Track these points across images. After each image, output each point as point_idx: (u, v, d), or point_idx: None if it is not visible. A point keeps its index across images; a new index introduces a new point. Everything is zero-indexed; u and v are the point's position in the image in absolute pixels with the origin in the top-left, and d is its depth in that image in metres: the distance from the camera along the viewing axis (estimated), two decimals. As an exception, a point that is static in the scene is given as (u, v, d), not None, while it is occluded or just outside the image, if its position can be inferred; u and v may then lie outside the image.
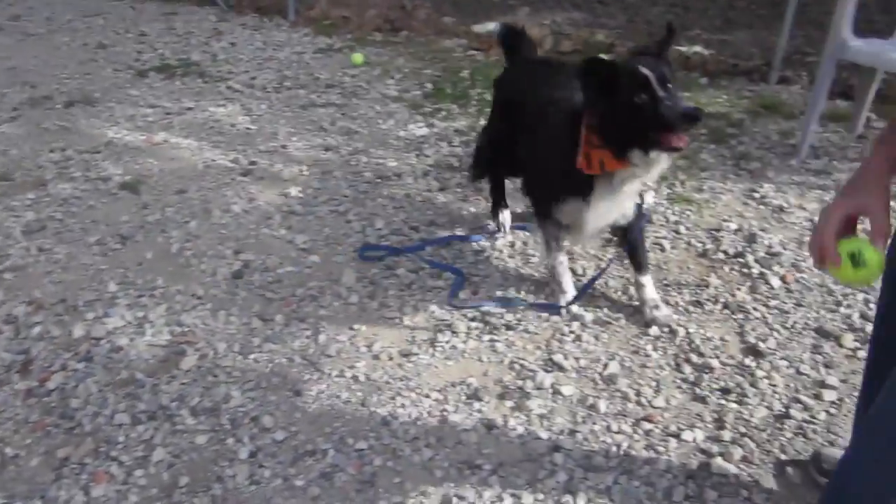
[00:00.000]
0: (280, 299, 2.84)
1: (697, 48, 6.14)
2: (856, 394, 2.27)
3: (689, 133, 2.31)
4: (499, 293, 2.87)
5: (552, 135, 2.58)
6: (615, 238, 2.85)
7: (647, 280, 2.76)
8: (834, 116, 4.70)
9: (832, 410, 2.34)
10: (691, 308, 2.82)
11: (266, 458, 2.13)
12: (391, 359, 2.54)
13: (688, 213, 3.53)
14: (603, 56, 2.34)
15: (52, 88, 5.18)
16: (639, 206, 2.55)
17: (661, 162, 2.38)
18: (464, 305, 2.75)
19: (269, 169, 3.91)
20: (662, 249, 3.21)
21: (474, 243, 3.19)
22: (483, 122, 4.45)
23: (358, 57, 5.77)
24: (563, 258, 2.81)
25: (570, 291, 2.80)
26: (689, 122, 2.21)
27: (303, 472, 2.10)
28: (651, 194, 2.82)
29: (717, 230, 3.37)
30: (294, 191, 3.66)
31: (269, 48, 6.18)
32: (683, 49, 6.05)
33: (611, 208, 2.53)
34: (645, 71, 2.21)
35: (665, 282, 2.99)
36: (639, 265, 2.76)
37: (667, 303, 2.84)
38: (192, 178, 3.80)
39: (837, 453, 1.99)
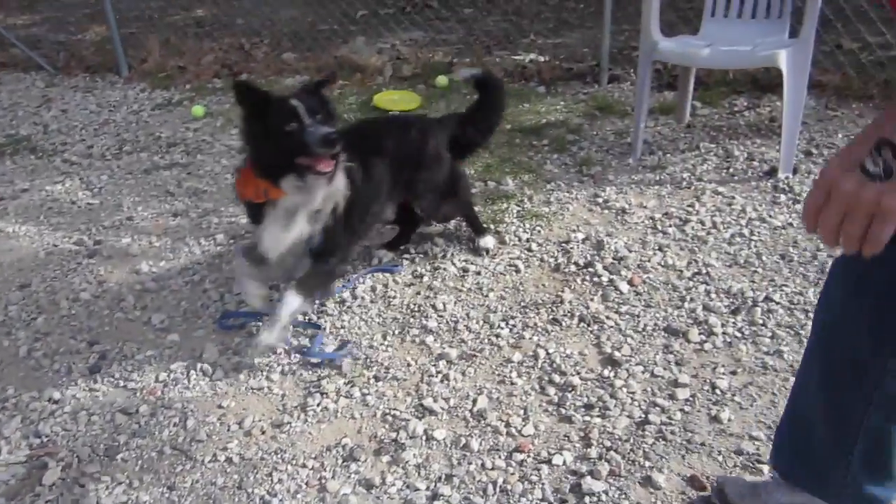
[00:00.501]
0: (142, 388, 2.76)
1: (532, 56, 6.40)
2: (706, 388, 2.47)
3: (333, 157, 2.51)
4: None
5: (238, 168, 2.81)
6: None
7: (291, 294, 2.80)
8: (664, 109, 5.03)
9: (686, 408, 2.51)
10: (549, 327, 2.95)
11: (144, 567, 2.07)
12: (263, 432, 2.52)
13: (538, 228, 3.68)
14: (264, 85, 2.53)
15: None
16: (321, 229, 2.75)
17: (319, 187, 2.58)
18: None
19: (116, 245, 3.78)
20: (518, 270, 3.34)
21: (336, 294, 3.21)
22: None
23: (199, 109, 5.67)
24: (247, 270, 2.89)
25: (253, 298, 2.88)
26: (327, 146, 2.43)
27: (184, 574, 2.05)
28: (490, 239, 2.98)
29: (567, 242, 3.54)
30: (145, 266, 3.56)
31: (105, 110, 5.96)
32: (519, 58, 6.30)
33: (283, 234, 2.70)
34: (294, 102, 2.46)
35: (522, 304, 3.11)
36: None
37: (525, 325, 2.96)
38: (35, 268, 3.62)
39: (740, 479, 2.11)
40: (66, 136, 5.44)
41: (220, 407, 2.65)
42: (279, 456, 2.42)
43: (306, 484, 2.31)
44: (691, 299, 3.07)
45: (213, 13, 8.89)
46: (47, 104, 6.24)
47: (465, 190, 3.44)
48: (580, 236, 3.58)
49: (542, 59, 6.27)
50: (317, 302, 3.08)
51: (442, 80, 5.83)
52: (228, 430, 2.54)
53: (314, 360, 2.80)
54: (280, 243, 2.71)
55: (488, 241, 3.44)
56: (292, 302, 2.77)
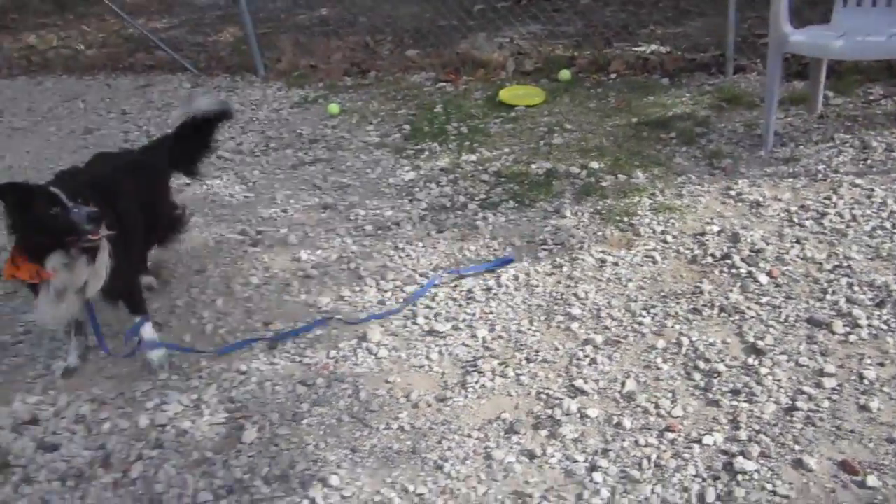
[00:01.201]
0: (316, 364, 3.08)
1: (654, 46, 6.42)
2: (853, 378, 2.56)
3: (95, 232, 2.72)
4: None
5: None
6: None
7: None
8: (794, 99, 5.01)
9: (834, 397, 2.60)
10: (690, 316, 3.09)
11: (340, 516, 2.37)
12: (429, 405, 2.78)
13: (672, 220, 3.80)
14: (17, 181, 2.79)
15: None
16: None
17: (82, 265, 2.81)
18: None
19: (275, 235, 4.15)
20: (654, 262, 3.48)
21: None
22: (464, 157, 4.72)
23: (334, 107, 6.02)
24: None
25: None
26: (93, 222, 2.67)
27: (374, 524, 2.34)
28: (148, 328, 3.19)
29: (702, 234, 3.65)
30: (304, 255, 3.89)
31: (248, 109, 6.40)
32: (640, 49, 6.35)
33: (55, 311, 2.91)
34: (55, 189, 2.68)
35: (662, 294, 3.25)
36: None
37: (667, 314, 3.11)
38: (208, 255, 4.03)
39: None
40: (217, 134, 5.88)
41: (387, 381, 2.93)
42: (446, 426, 2.68)
43: (473, 452, 2.56)
44: (833, 292, 3.13)
45: (337, 11, 9.28)
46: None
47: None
48: (715, 228, 3.68)
49: (663, 49, 6.29)
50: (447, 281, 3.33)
51: (565, 73, 5.97)
52: (397, 402, 2.82)
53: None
54: (55, 318, 2.99)
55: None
56: (146, 328, 3.17)
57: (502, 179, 4.43)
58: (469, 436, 2.63)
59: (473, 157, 4.77)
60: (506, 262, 3.55)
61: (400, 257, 3.76)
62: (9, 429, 2.91)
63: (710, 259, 3.44)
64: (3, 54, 9.16)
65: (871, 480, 2.26)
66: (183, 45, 8.65)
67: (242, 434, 2.75)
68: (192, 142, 3.68)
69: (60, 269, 2.78)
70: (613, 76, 5.94)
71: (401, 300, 3.42)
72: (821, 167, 4.12)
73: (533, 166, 4.53)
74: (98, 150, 4.05)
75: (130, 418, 2.91)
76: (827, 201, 3.78)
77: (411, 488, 2.45)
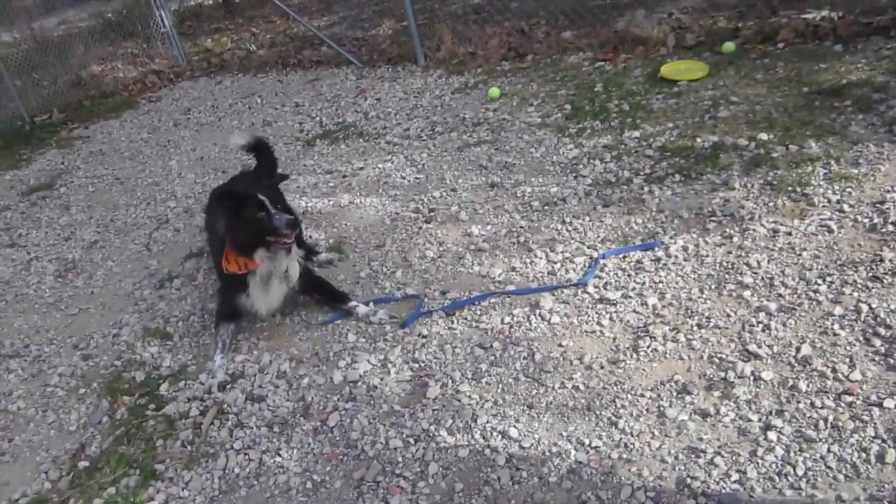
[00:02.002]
0: (492, 328, 3.29)
1: (825, 12, 6.12)
2: None
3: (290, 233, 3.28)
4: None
5: (216, 251, 3.59)
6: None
7: (353, 304, 3.61)
8: None
9: None
10: (870, 284, 3.02)
11: (520, 462, 2.57)
12: (602, 367, 2.92)
13: (849, 189, 3.69)
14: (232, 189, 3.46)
15: (240, 171, 5.93)
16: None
17: (281, 256, 3.41)
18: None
19: (447, 213, 4.40)
20: (830, 231, 3.41)
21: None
22: (627, 133, 4.77)
23: (494, 91, 6.22)
24: (225, 343, 3.57)
25: (217, 367, 3.46)
26: (291, 227, 3.25)
27: (553, 470, 2.51)
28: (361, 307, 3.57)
29: (882, 202, 3.53)
30: (475, 229, 4.12)
31: (411, 97, 6.73)
32: (810, 16, 6.07)
33: (268, 294, 3.49)
34: (262, 197, 3.24)
35: (839, 262, 3.19)
36: (339, 297, 3.66)
37: (844, 282, 3.06)
38: (385, 231, 4.34)
39: None
40: (385, 121, 6.26)
41: (560, 346, 3.09)
42: (619, 387, 2.80)
43: (646, 410, 2.67)
44: None
45: (489, -1, 9.46)
46: (362, 94, 7.17)
47: None
48: (896, 197, 3.54)
49: (835, 14, 5.98)
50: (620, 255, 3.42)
51: (729, 45, 5.84)
52: (571, 364, 2.98)
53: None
54: (269, 302, 3.51)
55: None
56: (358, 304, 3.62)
57: (667, 154, 4.45)
58: (642, 395, 2.74)
59: (636, 134, 4.81)
60: (648, 247, 3.59)
61: (567, 230, 3.90)
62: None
63: (890, 227, 3.33)
64: (186, 58, 10.08)
65: None
66: (345, 40, 9.15)
67: (427, 390, 3.00)
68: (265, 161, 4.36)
69: (264, 259, 3.37)
70: (781, 45, 5.74)
71: (571, 272, 3.55)
72: None
73: (698, 140, 4.51)
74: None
75: (325, 375, 3.24)
76: None
77: (587, 441, 2.60)
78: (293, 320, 3.69)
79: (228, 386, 3.29)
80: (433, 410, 2.90)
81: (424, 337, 3.33)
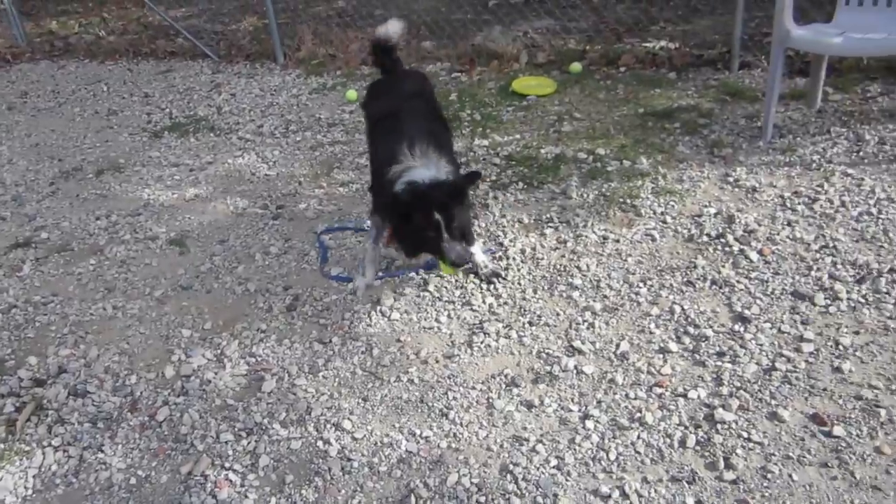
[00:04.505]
0: (332, 324, 3.30)
1: (663, 43, 6.61)
2: (829, 344, 2.76)
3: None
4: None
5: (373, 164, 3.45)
6: None
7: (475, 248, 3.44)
8: (794, 95, 5.19)
9: (811, 360, 2.80)
10: (684, 288, 3.29)
11: (352, 453, 2.60)
12: (437, 361, 3.00)
13: (672, 203, 4.00)
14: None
15: (78, 160, 5.63)
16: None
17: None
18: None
19: (294, 209, 4.37)
20: (653, 239, 3.68)
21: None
22: (477, 141, 4.93)
23: (352, 93, 6.25)
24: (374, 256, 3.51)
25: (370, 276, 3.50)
26: (457, 265, 3.03)
27: (384, 460, 2.56)
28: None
29: (699, 216, 3.85)
30: (320, 227, 4.11)
31: (268, 94, 6.64)
32: (650, 45, 6.53)
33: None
34: (437, 216, 2.89)
35: (658, 268, 3.46)
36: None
37: (662, 285, 3.32)
38: (230, 227, 4.26)
39: None
40: (238, 117, 6.14)
41: (398, 341, 3.15)
42: (452, 380, 2.89)
43: (476, 402, 2.77)
44: (818, 269, 3.33)
45: (353, 4, 9.50)
46: (217, 89, 7.00)
47: None
48: (712, 211, 3.87)
49: (672, 45, 6.47)
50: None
51: (576, 66, 6.18)
52: (408, 358, 3.04)
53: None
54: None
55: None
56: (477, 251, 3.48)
57: (513, 163, 4.64)
58: (473, 388, 2.84)
59: (486, 142, 4.98)
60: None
61: (412, 231, 3.97)
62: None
63: (705, 238, 3.64)
64: (26, 39, 9.42)
65: (838, 430, 2.46)
66: (203, 33, 8.88)
67: (262, 384, 2.97)
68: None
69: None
70: (623, 70, 6.13)
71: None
72: (815, 157, 4.30)
73: (542, 151, 4.74)
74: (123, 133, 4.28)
75: (156, 369, 3.15)
76: (819, 188, 3.97)
77: (418, 432, 2.66)
78: (125, 314, 3.54)
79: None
80: (268, 404, 2.87)
81: (263, 332, 3.29)
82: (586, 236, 3.76)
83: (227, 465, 2.60)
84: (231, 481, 2.53)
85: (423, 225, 2.92)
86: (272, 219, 4.30)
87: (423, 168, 2.98)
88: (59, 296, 3.75)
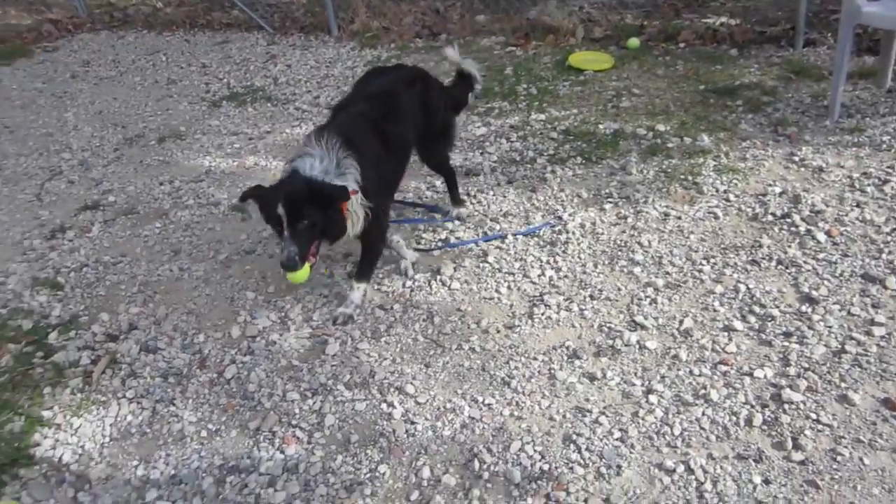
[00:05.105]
0: (393, 292, 3.34)
1: (723, 19, 6.46)
2: (900, 324, 2.70)
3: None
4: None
5: None
6: None
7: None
8: (863, 73, 5.04)
9: (882, 343, 2.75)
10: (749, 267, 3.25)
11: (415, 417, 2.63)
12: (498, 332, 3.02)
13: (735, 181, 3.94)
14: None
15: (140, 127, 5.74)
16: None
17: None
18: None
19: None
20: (716, 217, 3.64)
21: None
22: (534, 116, 4.91)
23: (407, 66, 6.23)
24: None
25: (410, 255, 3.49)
26: (282, 266, 2.81)
27: (447, 425, 2.59)
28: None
29: (764, 195, 3.78)
30: (382, 197, 4.14)
31: (323, 66, 6.67)
32: (709, 21, 6.39)
33: None
34: (281, 211, 2.75)
35: (722, 246, 3.41)
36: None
37: (726, 264, 3.28)
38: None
39: None
40: (294, 88, 6.18)
41: (458, 310, 3.17)
42: (513, 350, 2.91)
43: (538, 372, 2.78)
44: (889, 252, 3.25)
45: (409, -23, 9.45)
46: (272, 60, 7.04)
47: None
48: (777, 190, 3.80)
49: (733, 21, 6.33)
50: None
51: (634, 41, 6.08)
52: (468, 327, 3.06)
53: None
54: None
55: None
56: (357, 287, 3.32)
57: (570, 137, 4.61)
58: (534, 358, 2.86)
59: (542, 117, 4.95)
60: (537, 229, 3.70)
61: (472, 203, 3.98)
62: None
63: (770, 217, 3.58)
64: (86, 10, 9.58)
65: (913, 414, 2.42)
66: (257, 5, 8.92)
67: (326, 347, 3.02)
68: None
69: None
70: (682, 46, 6.02)
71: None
72: (886, 138, 4.19)
73: (600, 127, 4.69)
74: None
75: (223, 329, 3.22)
76: (890, 170, 3.86)
77: (480, 399, 2.69)
78: (191, 276, 3.62)
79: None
80: (332, 366, 2.92)
81: (325, 297, 3.34)
82: (647, 212, 3.73)
83: (293, 422, 2.66)
84: (298, 438, 2.59)
85: (267, 215, 2.85)
86: (331, 188, 4.33)
87: (313, 159, 2.90)
88: (128, 256, 3.84)
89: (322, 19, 7.85)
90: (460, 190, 3.92)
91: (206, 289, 3.51)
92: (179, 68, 7.19)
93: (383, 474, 2.44)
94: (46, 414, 2.83)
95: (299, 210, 2.75)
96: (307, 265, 2.83)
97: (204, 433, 2.68)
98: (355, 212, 2.93)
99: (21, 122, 6.15)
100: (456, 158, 4.50)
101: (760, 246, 3.37)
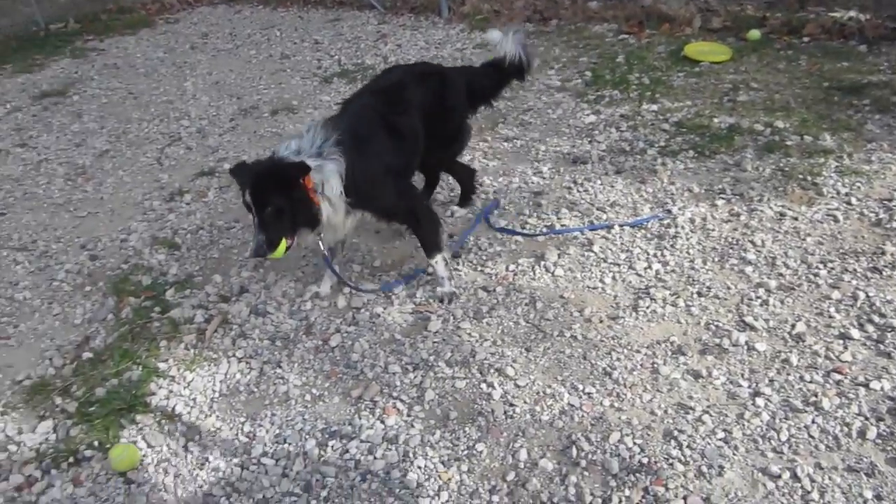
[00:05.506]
0: (496, 274, 3.35)
1: (853, 13, 6.13)
2: None
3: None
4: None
5: None
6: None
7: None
8: None
9: None
10: (870, 274, 3.10)
11: (514, 399, 2.65)
12: (601, 322, 2.99)
13: (858, 184, 3.75)
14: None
15: (254, 99, 5.94)
16: None
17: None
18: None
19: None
20: (836, 220, 3.48)
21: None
22: (645, 106, 4.81)
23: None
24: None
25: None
26: (253, 255, 2.85)
27: (546, 410, 2.60)
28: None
29: (890, 200, 3.60)
30: (487, 179, 4.16)
31: (432, 47, 6.71)
32: (837, 15, 6.08)
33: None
34: (247, 200, 2.76)
35: (841, 251, 3.27)
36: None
37: (844, 269, 3.14)
38: (397, 172, 4.37)
39: None
40: (404, 67, 6.24)
41: (561, 297, 3.16)
42: (616, 341, 2.88)
43: (641, 365, 2.75)
44: None
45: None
46: (382, 39, 7.14)
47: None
48: (905, 195, 3.60)
49: (863, 16, 5.99)
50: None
51: (754, 33, 5.86)
52: (571, 315, 3.05)
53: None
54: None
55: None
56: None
57: (683, 130, 4.50)
58: (637, 351, 2.82)
59: (654, 107, 4.84)
60: (645, 221, 3.63)
61: (578, 191, 3.95)
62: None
63: (895, 224, 3.40)
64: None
65: None
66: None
67: (428, 324, 3.07)
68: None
69: None
70: (806, 39, 5.76)
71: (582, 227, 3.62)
72: None
73: (715, 120, 4.56)
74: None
75: (329, 299, 3.30)
76: None
77: (580, 387, 2.68)
78: (299, 245, 3.73)
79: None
80: (433, 343, 2.97)
81: (429, 275, 3.39)
82: (761, 211, 3.60)
83: (394, 394, 2.73)
84: (398, 410, 2.65)
85: (242, 199, 2.84)
86: (440, 168, 4.38)
87: (294, 141, 2.89)
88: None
89: (433, 0, 7.90)
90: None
91: (313, 259, 3.61)
92: (293, 43, 7.39)
93: (480, 452, 2.47)
94: (162, 366, 3.00)
95: (263, 193, 2.74)
96: (282, 244, 2.80)
97: (308, 397, 2.77)
98: (330, 199, 2.86)
99: (144, 89, 6.47)
100: (563, 145, 4.48)
101: (883, 253, 3.22)
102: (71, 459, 2.61)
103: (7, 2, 8.88)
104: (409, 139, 3.23)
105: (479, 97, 3.65)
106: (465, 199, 3.92)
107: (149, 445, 2.65)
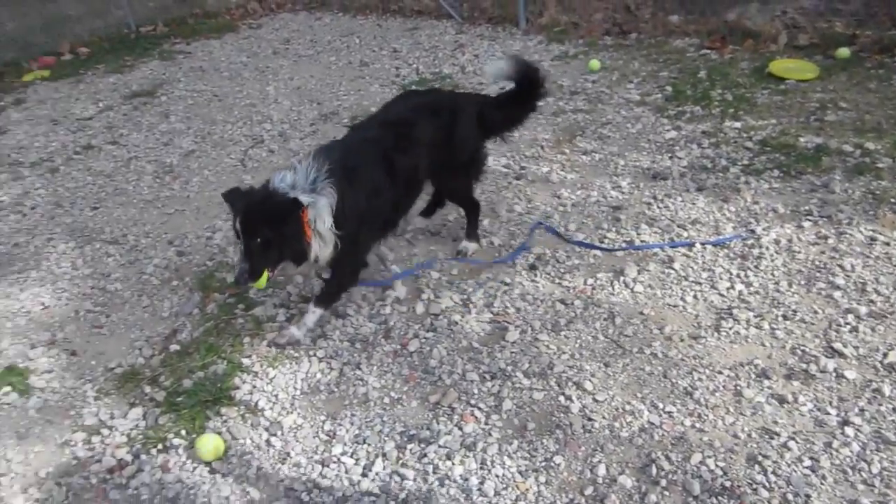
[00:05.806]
0: (574, 287, 3.34)
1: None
2: None
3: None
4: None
5: None
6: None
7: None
8: None
9: None
10: (968, 303, 2.98)
11: (593, 413, 2.64)
12: (682, 340, 2.95)
13: (954, 211, 3.61)
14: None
15: (334, 105, 6.05)
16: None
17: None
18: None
19: (537, 172, 4.44)
20: (932, 247, 3.35)
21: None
22: (728, 123, 4.73)
23: (595, 63, 6.18)
24: None
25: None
26: (235, 283, 2.98)
27: (625, 426, 2.58)
28: None
29: None
30: (565, 192, 4.15)
31: (510, 58, 6.71)
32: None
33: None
34: (237, 227, 2.78)
35: (938, 278, 3.15)
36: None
37: (942, 298, 3.03)
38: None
39: None
40: (481, 78, 6.29)
41: (641, 314, 3.13)
42: (697, 361, 2.84)
43: (723, 387, 2.70)
44: None
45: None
46: (460, 49, 7.19)
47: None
48: None
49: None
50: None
51: (844, 51, 5.70)
52: (651, 332, 3.02)
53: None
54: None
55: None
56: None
57: (767, 149, 4.40)
58: (720, 372, 2.77)
59: (738, 125, 4.76)
60: (728, 240, 3.55)
61: (658, 207, 3.91)
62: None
63: None
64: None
65: None
66: (450, -5, 9.14)
67: (506, 334, 3.08)
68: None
69: None
70: (899, 59, 5.58)
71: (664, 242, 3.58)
72: None
73: (801, 140, 4.45)
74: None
75: (408, 304, 3.35)
76: None
77: (661, 405, 2.65)
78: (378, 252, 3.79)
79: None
80: (511, 353, 2.98)
81: (507, 285, 3.40)
82: (851, 234, 3.50)
83: (472, 402, 2.75)
84: (476, 418, 2.67)
85: (232, 225, 2.84)
86: (515, 178, 4.40)
87: (289, 172, 2.87)
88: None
89: (511, 11, 7.93)
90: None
91: (391, 265, 3.66)
92: (371, 51, 7.50)
93: (558, 465, 2.46)
94: (246, 361, 3.08)
95: (253, 225, 2.76)
96: (265, 275, 2.85)
97: (387, 399, 2.82)
98: (321, 234, 2.87)
99: (228, 91, 6.67)
100: (643, 160, 4.44)
101: (982, 283, 3.09)
102: (159, 446, 2.70)
103: (101, 5, 9.29)
104: (404, 178, 3.20)
105: (492, 127, 3.60)
106: (470, 234, 3.78)
107: (233, 437, 2.73)
